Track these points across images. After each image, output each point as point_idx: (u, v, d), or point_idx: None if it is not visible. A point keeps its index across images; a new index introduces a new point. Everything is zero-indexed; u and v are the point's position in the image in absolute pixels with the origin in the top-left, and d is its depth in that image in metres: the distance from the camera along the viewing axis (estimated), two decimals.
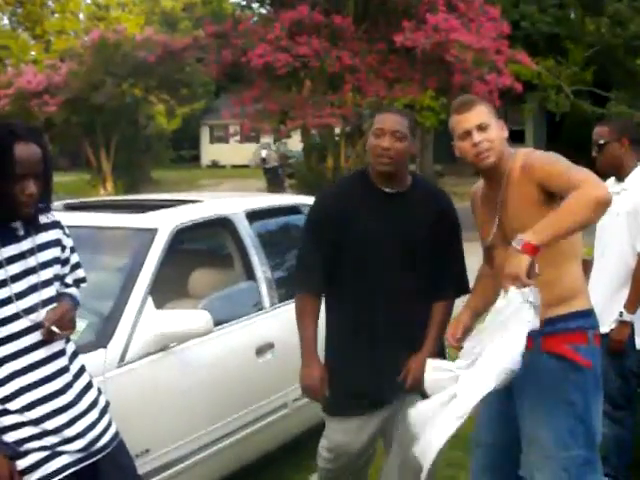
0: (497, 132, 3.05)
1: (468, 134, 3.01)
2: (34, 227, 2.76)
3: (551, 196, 2.92)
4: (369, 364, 3.43)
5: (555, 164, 2.96)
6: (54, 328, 2.67)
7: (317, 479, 3.81)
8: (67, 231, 2.93)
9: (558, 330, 2.98)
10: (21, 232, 2.71)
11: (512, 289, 2.69)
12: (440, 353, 3.51)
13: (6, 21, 39.18)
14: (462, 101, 3.12)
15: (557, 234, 2.74)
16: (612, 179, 4.25)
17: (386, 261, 3.41)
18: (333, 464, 3.61)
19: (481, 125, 3.01)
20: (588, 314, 3.06)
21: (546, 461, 2.97)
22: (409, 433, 3.51)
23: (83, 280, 3.01)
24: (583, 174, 2.81)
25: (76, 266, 2.98)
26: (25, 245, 2.71)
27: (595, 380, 3.02)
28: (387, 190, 3.44)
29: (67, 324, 2.73)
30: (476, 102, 3.09)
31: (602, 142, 4.17)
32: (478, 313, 3.26)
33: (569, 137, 25.89)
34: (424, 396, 3.51)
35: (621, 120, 4.43)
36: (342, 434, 3.52)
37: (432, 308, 3.49)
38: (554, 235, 2.74)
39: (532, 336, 2.81)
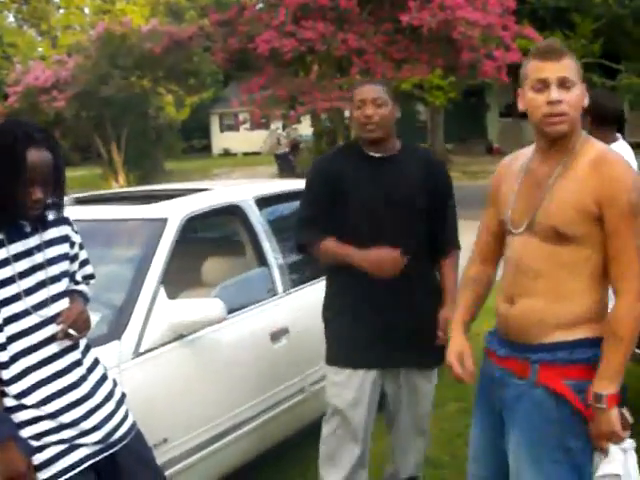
0: (579, 97, 2.45)
1: (545, 86, 2.41)
2: (41, 223, 2.76)
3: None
4: (373, 326, 3.49)
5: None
6: (71, 331, 2.69)
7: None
8: (76, 227, 2.93)
9: (557, 360, 2.49)
10: (28, 229, 2.71)
11: (612, 447, 2.44)
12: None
13: (12, 18, 39.31)
14: (549, 46, 2.48)
15: (622, 370, 2.45)
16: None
17: (384, 225, 3.49)
18: (328, 426, 3.61)
19: (565, 80, 2.40)
20: (598, 343, 2.48)
21: None
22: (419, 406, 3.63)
23: (92, 276, 3.02)
24: None
25: (85, 262, 2.98)
26: (32, 242, 2.71)
27: None
28: (377, 155, 3.56)
29: (83, 325, 2.75)
30: (566, 53, 2.45)
31: None
32: (467, 325, 2.86)
33: None
34: (437, 363, 3.50)
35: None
36: (338, 387, 3.55)
37: (440, 265, 3.65)
38: (622, 374, 2.45)
39: (529, 362, 2.52)
